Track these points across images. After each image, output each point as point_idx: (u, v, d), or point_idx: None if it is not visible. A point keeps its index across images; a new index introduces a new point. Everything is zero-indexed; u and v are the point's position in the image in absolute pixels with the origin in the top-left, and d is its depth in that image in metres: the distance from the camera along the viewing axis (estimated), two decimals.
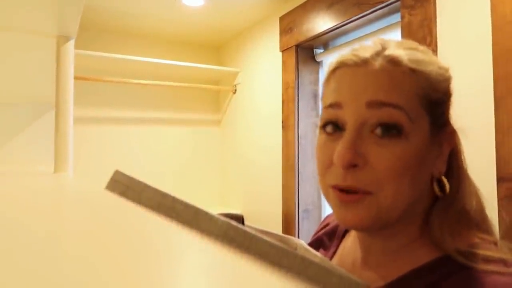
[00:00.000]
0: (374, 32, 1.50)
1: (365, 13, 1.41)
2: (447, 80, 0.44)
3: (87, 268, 0.14)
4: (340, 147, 0.41)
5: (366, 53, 0.43)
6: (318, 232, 0.63)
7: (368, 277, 0.46)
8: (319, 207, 1.82)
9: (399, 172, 0.40)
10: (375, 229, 0.44)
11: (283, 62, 1.90)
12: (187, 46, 2.51)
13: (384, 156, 0.40)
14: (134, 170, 2.28)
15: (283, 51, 1.90)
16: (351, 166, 0.40)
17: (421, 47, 0.46)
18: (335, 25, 1.56)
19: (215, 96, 2.61)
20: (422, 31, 1.17)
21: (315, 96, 1.86)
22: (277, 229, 1.87)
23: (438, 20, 1.14)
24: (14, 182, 0.62)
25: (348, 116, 0.42)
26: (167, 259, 0.16)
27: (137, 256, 0.16)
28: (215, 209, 2.27)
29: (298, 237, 1.77)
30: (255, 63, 2.18)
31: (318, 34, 1.67)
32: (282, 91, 1.90)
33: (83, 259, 0.15)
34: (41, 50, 0.82)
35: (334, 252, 0.56)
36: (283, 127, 1.88)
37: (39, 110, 1.50)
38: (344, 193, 0.41)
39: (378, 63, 0.42)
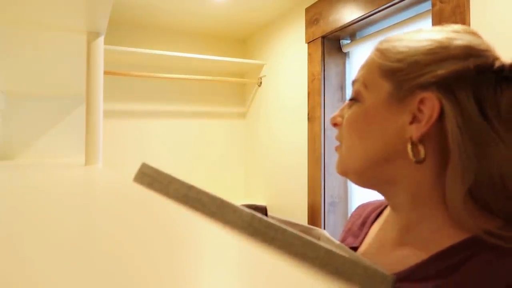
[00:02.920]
0: (403, 21, 1.45)
1: (394, 1, 1.37)
2: (419, 54, 0.46)
3: (118, 254, 0.15)
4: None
5: None
6: (348, 224, 0.67)
7: (395, 257, 0.48)
8: (345, 200, 1.80)
9: (349, 128, 0.51)
10: (349, 176, 0.52)
11: (309, 54, 1.88)
12: (213, 40, 2.52)
13: (346, 116, 0.52)
14: (160, 162, 2.33)
15: (308, 42, 1.88)
16: (334, 125, 0.55)
17: (429, 28, 0.50)
18: (363, 15, 1.53)
19: (241, 89, 2.62)
20: (454, 19, 1.13)
21: (341, 87, 1.83)
22: (303, 222, 1.87)
23: (471, 7, 1.09)
24: (52, 174, 0.64)
25: None
26: (191, 247, 0.16)
27: (164, 246, 0.16)
28: (239, 201, 2.29)
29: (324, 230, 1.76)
30: (280, 55, 2.17)
31: (345, 24, 1.64)
32: (308, 83, 1.88)
33: (113, 248, 0.16)
34: (72, 46, 0.84)
35: (363, 238, 0.59)
36: (308, 119, 1.87)
37: (71, 105, 1.56)
38: None
39: None
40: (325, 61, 1.80)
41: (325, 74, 1.79)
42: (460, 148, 0.42)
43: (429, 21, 1.26)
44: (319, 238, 0.35)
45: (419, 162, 0.45)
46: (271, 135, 2.24)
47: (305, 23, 1.91)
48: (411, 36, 0.48)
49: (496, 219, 0.42)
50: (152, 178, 0.28)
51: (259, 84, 2.39)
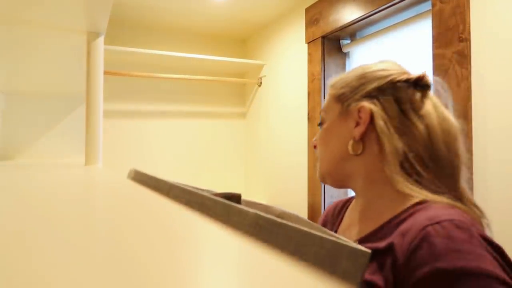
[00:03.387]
0: (403, 21, 1.45)
1: (394, 1, 1.37)
2: (353, 81, 0.65)
3: (119, 251, 0.15)
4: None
5: None
6: (322, 217, 0.81)
7: (356, 231, 0.63)
8: None
9: (319, 143, 0.69)
10: (326, 179, 0.68)
11: (309, 54, 1.88)
12: (213, 40, 2.52)
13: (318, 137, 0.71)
14: (160, 162, 2.33)
15: (308, 42, 1.88)
16: (314, 147, 0.71)
17: (365, 65, 0.67)
18: (363, 15, 1.53)
19: (241, 89, 2.62)
20: (454, 19, 1.13)
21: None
22: None
23: (471, 7, 1.09)
24: (52, 174, 0.64)
25: None
26: (191, 244, 0.16)
27: (163, 243, 0.16)
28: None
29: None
30: (280, 55, 2.17)
31: (345, 24, 1.64)
32: (308, 83, 1.88)
33: (114, 246, 0.16)
34: (72, 46, 0.84)
35: (339, 224, 0.73)
36: (308, 119, 1.87)
37: (71, 105, 1.56)
38: None
39: None
40: (325, 61, 1.80)
41: (325, 74, 1.79)
42: (387, 137, 0.58)
43: (429, 21, 1.26)
44: (278, 214, 0.40)
45: (357, 155, 0.62)
46: (271, 135, 2.24)
47: (305, 23, 1.91)
48: (351, 70, 0.67)
49: (426, 191, 0.56)
50: (146, 184, 0.29)
51: (259, 84, 2.39)
